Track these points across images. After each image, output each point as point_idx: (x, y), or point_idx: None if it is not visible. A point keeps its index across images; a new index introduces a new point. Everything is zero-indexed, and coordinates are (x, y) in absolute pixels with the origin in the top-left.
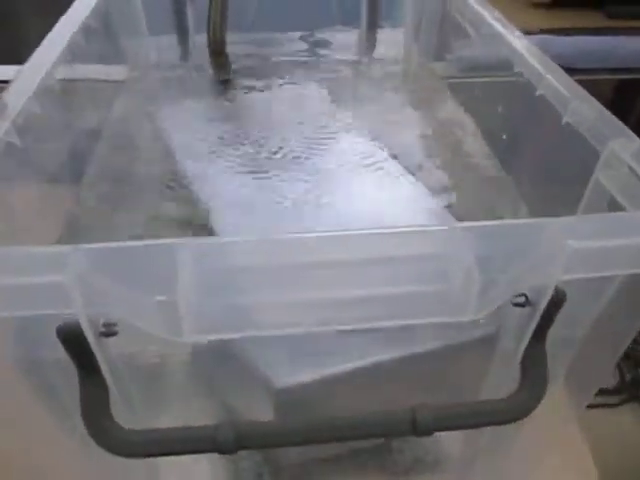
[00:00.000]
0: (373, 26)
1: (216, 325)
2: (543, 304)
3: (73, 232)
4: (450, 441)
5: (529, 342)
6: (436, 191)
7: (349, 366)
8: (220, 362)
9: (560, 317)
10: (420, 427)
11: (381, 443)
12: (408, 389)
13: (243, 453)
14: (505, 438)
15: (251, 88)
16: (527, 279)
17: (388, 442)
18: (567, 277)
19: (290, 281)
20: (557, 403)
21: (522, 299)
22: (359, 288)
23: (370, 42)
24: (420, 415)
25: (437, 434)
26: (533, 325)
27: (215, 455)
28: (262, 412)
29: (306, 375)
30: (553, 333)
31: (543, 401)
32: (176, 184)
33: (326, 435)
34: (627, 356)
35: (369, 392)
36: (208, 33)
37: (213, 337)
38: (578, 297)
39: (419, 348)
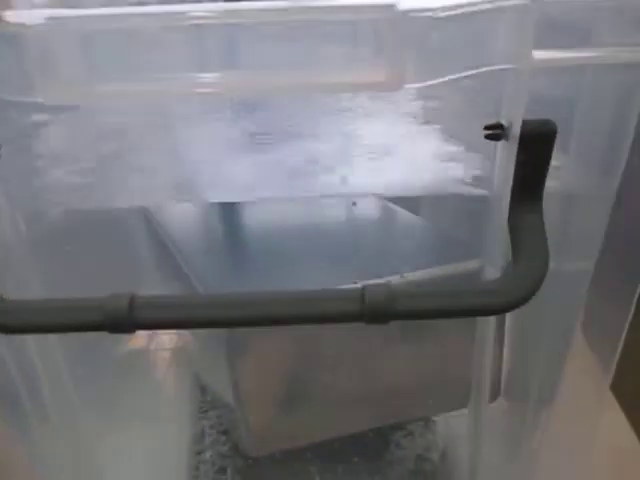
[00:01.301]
0: None
1: None
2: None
3: None
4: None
5: (517, 199)
6: None
7: None
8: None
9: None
10: (371, 309)
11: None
12: None
13: (206, 443)
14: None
15: None
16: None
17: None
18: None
19: None
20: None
21: (497, 131)
22: None
23: None
24: (372, 293)
25: None
26: (516, 170)
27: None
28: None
29: None
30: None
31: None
32: None
33: (248, 314)
34: None
35: None
36: None
37: None
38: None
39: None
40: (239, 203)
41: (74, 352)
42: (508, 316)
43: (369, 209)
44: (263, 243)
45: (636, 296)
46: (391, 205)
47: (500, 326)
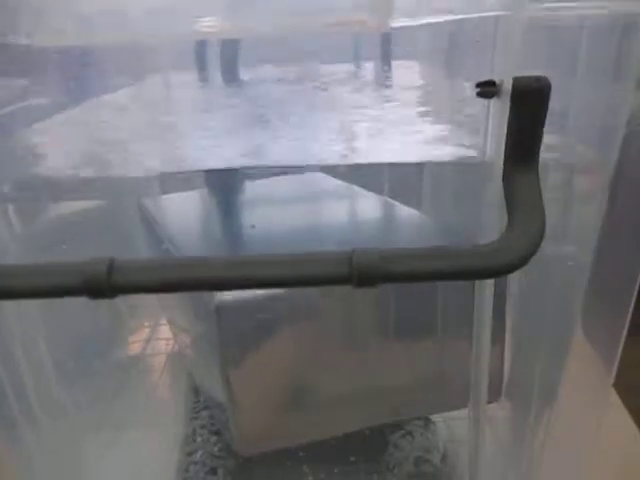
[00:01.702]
0: None
1: None
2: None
3: None
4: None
5: (511, 161)
6: None
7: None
8: None
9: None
10: (360, 270)
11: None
12: None
13: (198, 443)
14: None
15: None
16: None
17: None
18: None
19: None
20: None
21: (489, 88)
22: None
23: None
24: (361, 255)
25: None
26: (509, 129)
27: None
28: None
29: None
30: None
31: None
32: None
33: (234, 274)
34: None
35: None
36: None
37: None
38: None
39: None
40: (236, 197)
41: (63, 357)
42: (509, 315)
43: (369, 205)
44: (262, 238)
45: (635, 293)
46: (390, 200)
47: (500, 324)
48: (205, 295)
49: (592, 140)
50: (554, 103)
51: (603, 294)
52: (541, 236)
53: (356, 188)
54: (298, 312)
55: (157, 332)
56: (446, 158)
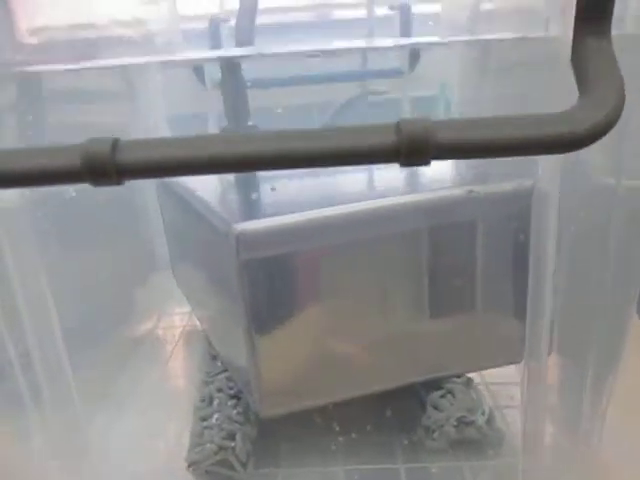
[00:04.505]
0: None
1: None
2: None
3: None
4: None
5: (578, 27)
6: None
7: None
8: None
9: None
10: (410, 140)
11: None
12: None
13: (214, 407)
14: None
15: None
16: None
17: None
18: None
19: None
20: None
21: None
22: None
23: None
24: (409, 125)
25: None
26: None
27: None
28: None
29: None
30: None
31: None
32: None
33: (264, 149)
34: None
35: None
36: None
37: None
38: None
39: None
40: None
41: (73, 325)
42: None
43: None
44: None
45: None
46: None
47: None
48: (223, 225)
49: None
50: None
51: None
52: (622, 103)
53: None
54: (327, 252)
55: (172, 306)
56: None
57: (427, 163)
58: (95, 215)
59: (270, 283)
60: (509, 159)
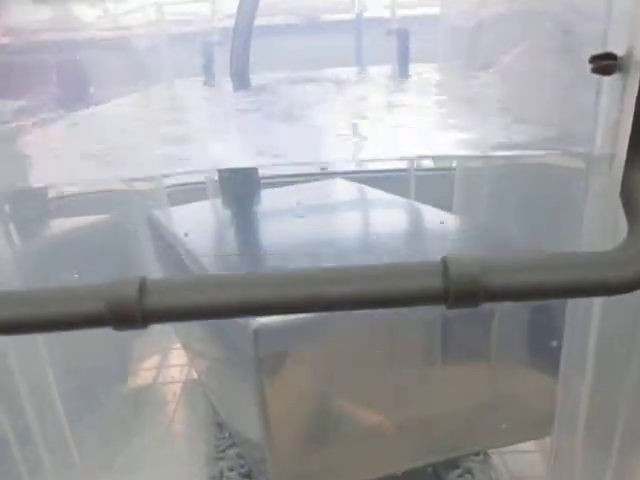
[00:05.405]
0: None
1: None
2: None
3: None
4: None
5: (632, 156)
6: None
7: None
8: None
9: None
10: (457, 283)
11: None
12: None
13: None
14: None
15: None
16: None
17: None
18: None
19: None
20: None
21: (608, 61)
22: None
23: None
24: (457, 264)
25: None
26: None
27: None
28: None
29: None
30: None
31: None
32: None
33: (295, 294)
34: None
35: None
36: None
37: None
38: None
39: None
40: (252, 204)
41: (71, 393)
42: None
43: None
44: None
45: None
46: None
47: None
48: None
49: None
50: None
51: None
52: None
53: (378, 192)
54: (340, 335)
55: (169, 359)
56: (546, 149)
57: (475, 306)
58: (89, 266)
59: (283, 358)
60: None
